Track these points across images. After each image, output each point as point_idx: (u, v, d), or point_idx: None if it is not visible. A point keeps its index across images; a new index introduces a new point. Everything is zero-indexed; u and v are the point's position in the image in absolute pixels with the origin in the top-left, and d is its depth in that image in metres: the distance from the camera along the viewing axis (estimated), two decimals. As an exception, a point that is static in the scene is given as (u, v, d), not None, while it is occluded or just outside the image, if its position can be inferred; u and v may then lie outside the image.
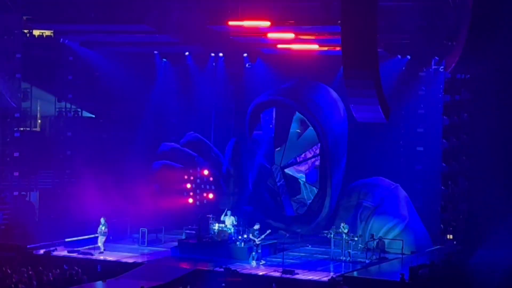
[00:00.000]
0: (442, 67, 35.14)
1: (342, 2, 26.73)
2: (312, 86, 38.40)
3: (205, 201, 40.08)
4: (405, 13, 32.61)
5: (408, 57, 36.68)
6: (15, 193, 37.43)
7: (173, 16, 35.32)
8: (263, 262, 32.72)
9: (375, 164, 37.65)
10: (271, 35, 35.29)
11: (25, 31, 37.54)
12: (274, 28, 34.00)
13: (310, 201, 38.89)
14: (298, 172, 39.35)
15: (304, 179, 39.26)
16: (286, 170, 39.21)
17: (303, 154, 39.05)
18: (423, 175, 37.34)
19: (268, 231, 33.44)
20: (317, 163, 38.59)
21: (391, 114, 31.11)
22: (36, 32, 37.82)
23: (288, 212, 38.95)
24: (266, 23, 33.44)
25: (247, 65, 40.39)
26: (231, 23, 33.73)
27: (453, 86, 33.10)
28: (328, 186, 37.29)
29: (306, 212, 38.67)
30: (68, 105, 39.71)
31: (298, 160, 39.18)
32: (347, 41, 27.28)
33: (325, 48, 36.87)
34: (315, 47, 36.76)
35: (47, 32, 37.89)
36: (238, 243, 34.06)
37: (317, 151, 38.40)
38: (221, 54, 40.13)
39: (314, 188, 38.73)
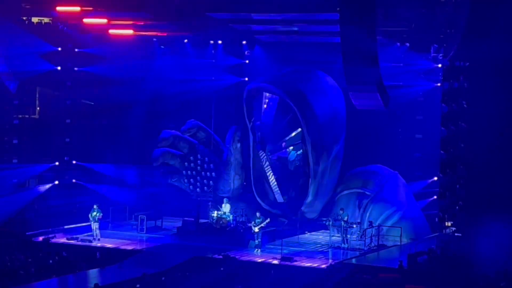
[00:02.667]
0: (441, 54, 35.09)
1: None
2: (302, 73, 38.26)
3: (205, 188, 40.11)
4: (404, 0, 32.51)
5: (407, 44, 36.61)
6: (14, 180, 37.42)
7: (172, 3, 35.18)
8: (258, 250, 32.78)
9: (374, 152, 37.74)
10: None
11: (24, 18, 37.46)
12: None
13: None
14: (283, 158, 39.33)
15: (288, 165, 39.29)
16: (272, 156, 39.10)
17: (287, 140, 39.02)
18: (422, 163, 37.42)
19: (267, 220, 33.47)
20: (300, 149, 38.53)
21: (390, 102, 31.14)
22: (35, 19, 37.72)
23: (278, 199, 38.89)
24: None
25: (246, 52, 40.36)
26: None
27: (452, 73, 33.01)
28: (312, 172, 37.16)
29: (294, 198, 38.57)
30: (67, 92, 39.61)
31: (282, 146, 39.14)
32: (346, 27, 27.39)
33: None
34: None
35: (46, 19, 37.79)
36: (241, 231, 34.26)
37: (299, 138, 38.31)
38: (220, 42, 40.08)
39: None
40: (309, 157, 36.95)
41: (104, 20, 36.26)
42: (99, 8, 34.88)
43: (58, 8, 35.01)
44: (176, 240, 35.06)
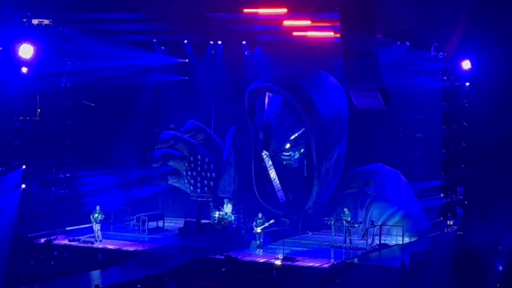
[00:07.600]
0: (441, 53, 35.06)
1: None
2: (305, 73, 38.11)
3: (205, 189, 40.07)
4: (404, -1, 32.54)
5: (407, 43, 36.64)
6: (16, 183, 37.33)
7: (172, 4, 35.19)
8: (260, 251, 32.77)
9: (375, 151, 37.72)
10: (287, 23, 35.42)
11: (24, 20, 37.41)
12: (290, 15, 34.05)
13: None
14: (286, 158, 39.29)
15: (291, 165, 39.28)
16: (275, 156, 39.04)
17: (291, 140, 39.01)
18: (422, 162, 37.42)
19: (271, 221, 33.46)
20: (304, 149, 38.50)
21: (391, 101, 31.12)
22: (35, 21, 37.67)
23: (280, 199, 38.85)
24: (282, 10, 33.61)
25: (246, 52, 40.32)
26: (246, 10, 33.82)
27: (452, 72, 33.04)
28: (315, 172, 37.08)
29: (296, 198, 38.53)
30: (68, 94, 39.59)
31: (286, 146, 39.11)
32: (346, 26, 27.42)
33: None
34: (330, 34, 36.73)
35: (46, 21, 37.74)
36: (243, 231, 34.25)
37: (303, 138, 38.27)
38: (220, 42, 40.10)
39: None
40: (313, 157, 36.90)
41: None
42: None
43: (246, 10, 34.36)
44: (178, 241, 35.05)
